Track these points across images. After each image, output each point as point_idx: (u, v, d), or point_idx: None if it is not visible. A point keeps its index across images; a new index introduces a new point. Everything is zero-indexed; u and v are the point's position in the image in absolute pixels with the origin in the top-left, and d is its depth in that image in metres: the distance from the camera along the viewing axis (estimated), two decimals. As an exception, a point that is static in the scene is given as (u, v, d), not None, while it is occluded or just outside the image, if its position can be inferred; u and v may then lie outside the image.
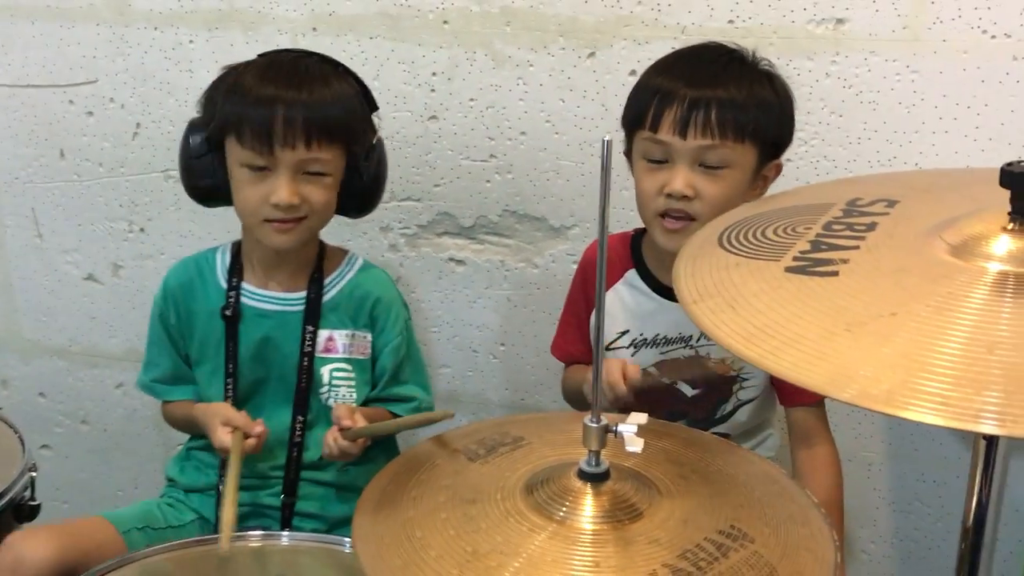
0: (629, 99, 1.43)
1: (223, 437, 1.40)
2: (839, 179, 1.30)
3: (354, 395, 1.52)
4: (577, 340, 1.60)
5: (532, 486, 1.01)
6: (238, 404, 1.51)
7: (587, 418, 0.98)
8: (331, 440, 1.40)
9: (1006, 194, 0.86)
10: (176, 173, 1.50)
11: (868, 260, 0.88)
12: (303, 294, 1.51)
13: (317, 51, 1.51)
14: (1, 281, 2.13)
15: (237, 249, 1.56)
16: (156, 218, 2.00)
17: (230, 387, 1.51)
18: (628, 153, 1.45)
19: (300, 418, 1.51)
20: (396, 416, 1.54)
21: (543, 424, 1.19)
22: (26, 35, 1.95)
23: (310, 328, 1.50)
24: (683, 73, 1.36)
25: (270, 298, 1.52)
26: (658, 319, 1.49)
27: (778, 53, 1.56)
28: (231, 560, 1.30)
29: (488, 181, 1.81)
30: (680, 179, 1.34)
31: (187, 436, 1.63)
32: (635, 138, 1.40)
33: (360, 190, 1.49)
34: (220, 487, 1.49)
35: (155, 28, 1.88)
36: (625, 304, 1.50)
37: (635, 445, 0.96)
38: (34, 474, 1.45)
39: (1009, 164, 0.84)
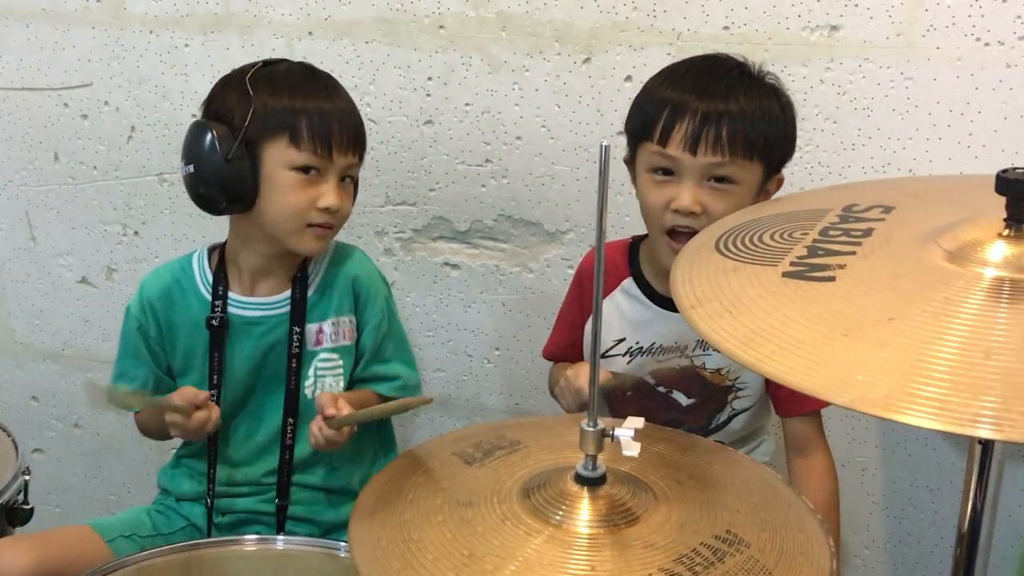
0: (634, 108, 1.42)
1: (173, 416, 1.40)
2: (835, 185, 1.31)
3: (341, 383, 1.51)
4: (567, 345, 1.60)
5: (529, 490, 1.01)
6: (228, 413, 1.50)
7: (584, 422, 0.98)
8: (316, 430, 1.39)
9: (1002, 200, 0.86)
10: (171, 176, 1.50)
11: (865, 265, 0.89)
12: (288, 294, 1.49)
13: (305, 59, 1.53)
14: (-6, 284, 2.13)
15: (220, 256, 1.52)
16: (150, 221, 1.99)
17: (215, 398, 1.48)
18: (629, 162, 1.45)
19: (291, 420, 1.50)
20: (381, 396, 1.54)
21: (540, 428, 1.19)
22: (21, 38, 1.95)
23: (296, 329, 1.49)
24: (693, 85, 1.35)
25: (257, 304, 1.50)
26: (654, 328, 1.48)
27: (773, 59, 1.57)
28: (226, 565, 1.30)
29: (483, 186, 1.81)
30: (688, 196, 1.34)
31: (179, 443, 1.61)
32: (640, 149, 1.39)
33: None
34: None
35: (151, 31, 1.88)
36: (622, 312, 1.50)
37: (632, 449, 0.96)
38: (27, 478, 1.45)
39: (1005, 171, 0.85)
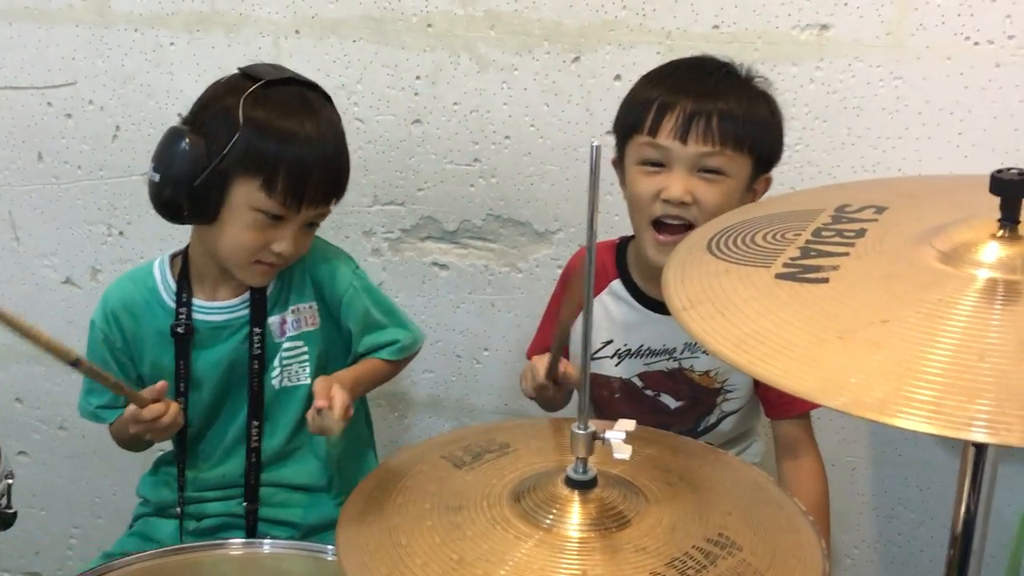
0: (622, 108, 1.42)
1: (130, 408, 1.37)
2: (827, 185, 1.30)
3: (306, 369, 1.49)
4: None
5: (519, 493, 1.00)
6: (200, 420, 1.49)
7: (574, 425, 0.97)
8: (310, 418, 1.34)
9: (995, 201, 0.86)
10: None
11: (858, 267, 0.88)
12: (248, 295, 1.47)
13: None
14: (-23, 285, 2.11)
15: (183, 263, 1.48)
16: (135, 221, 1.97)
17: (183, 406, 1.45)
18: (617, 162, 1.44)
19: (256, 422, 1.49)
20: (386, 362, 1.53)
21: (530, 431, 1.18)
22: (3, 36, 1.92)
23: (257, 330, 1.46)
24: (683, 83, 1.36)
25: (220, 309, 1.47)
26: (642, 330, 1.48)
27: (763, 58, 1.57)
28: (212, 569, 1.29)
29: (472, 185, 1.80)
30: (678, 185, 1.34)
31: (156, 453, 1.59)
32: (629, 144, 1.39)
33: None
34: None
35: (135, 30, 1.86)
36: (609, 314, 1.50)
37: (623, 452, 0.96)
38: (11, 481, 1.42)
39: (999, 171, 0.84)
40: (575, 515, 0.96)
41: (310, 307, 1.50)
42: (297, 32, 1.79)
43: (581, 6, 1.66)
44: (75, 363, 1.30)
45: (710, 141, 1.32)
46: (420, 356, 1.91)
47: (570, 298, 1.17)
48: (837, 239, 0.94)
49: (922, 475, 1.75)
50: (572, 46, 1.68)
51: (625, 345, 1.49)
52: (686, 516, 0.99)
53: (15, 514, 1.43)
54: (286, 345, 1.48)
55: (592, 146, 0.89)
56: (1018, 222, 0.85)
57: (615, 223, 1.66)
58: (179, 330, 1.45)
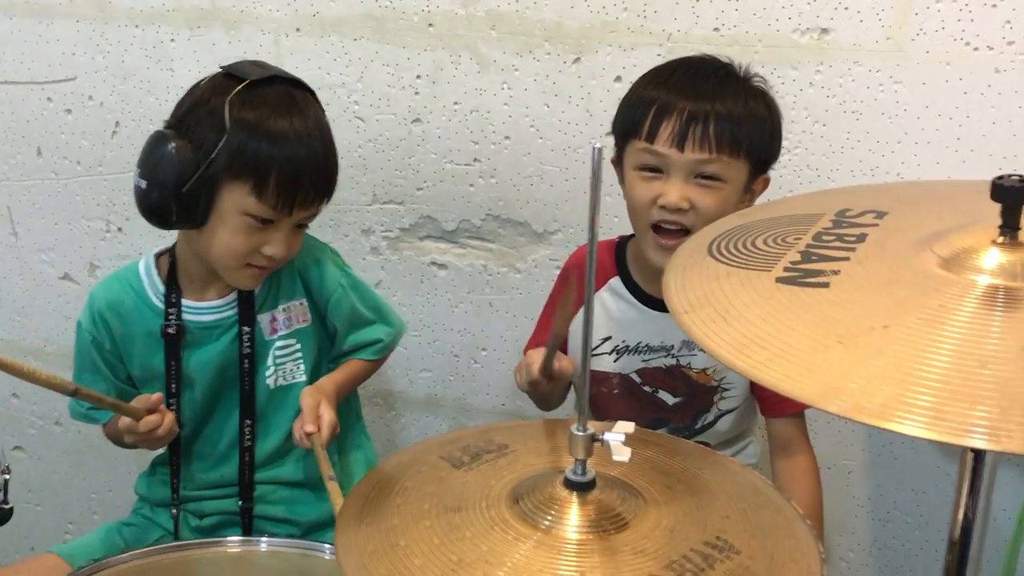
0: (621, 108, 1.43)
1: (124, 420, 1.37)
2: (828, 189, 1.31)
3: (302, 367, 1.50)
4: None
5: (517, 495, 1.00)
6: (193, 420, 1.49)
7: (573, 427, 0.97)
8: (297, 436, 1.38)
9: (996, 207, 0.86)
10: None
11: (859, 271, 0.88)
12: (236, 296, 1.46)
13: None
14: (-25, 280, 2.10)
15: (170, 263, 1.47)
16: (134, 218, 1.94)
17: (174, 408, 1.46)
18: (616, 161, 1.45)
19: (248, 421, 1.49)
20: (368, 362, 1.54)
21: (528, 431, 1.18)
22: (3, 31, 1.92)
23: (246, 329, 1.46)
24: (680, 85, 1.36)
25: (210, 308, 1.47)
26: (640, 327, 1.48)
27: (762, 62, 1.57)
28: (209, 566, 1.29)
29: (471, 185, 1.80)
30: (675, 192, 1.34)
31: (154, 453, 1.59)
32: (628, 147, 1.40)
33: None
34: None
35: (136, 26, 1.86)
36: (608, 311, 1.50)
37: (622, 454, 0.96)
38: (7, 476, 1.42)
39: (1000, 178, 0.84)
40: (573, 517, 0.96)
41: (300, 304, 1.50)
42: (298, 30, 1.79)
43: (582, 7, 1.66)
44: (74, 392, 1.31)
45: (707, 148, 1.32)
46: (418, 355, 1.93)
47: (567, 296, 1.17)
48: (838, 244, 0.94)
49: (918, 479, 1.75)
50: (573, 47, 1.68)
51: (623, 342, 1.49)
52: (684, 519, 0.99)
53: (11, 509, 1.43)
54: (279, 343, 1.48)
55: (593, 148, 0.89)
56: (1019, 228, 0.85)
57: (613, 224, 1.66)
58: (170, 331, 1.44)
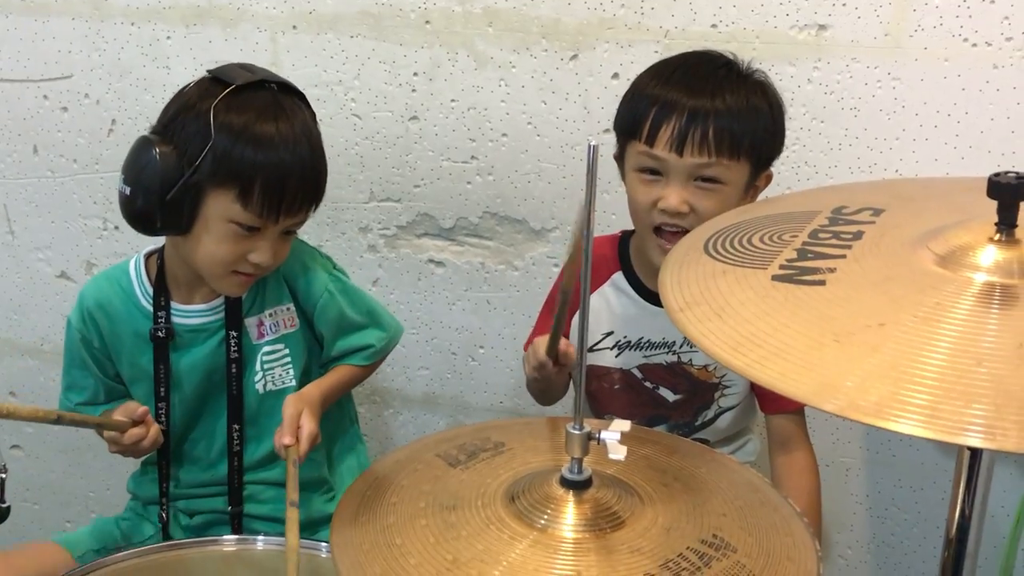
0: (623, 105, 1.42)
1: (108, 432, 1.38)
2: (824, 186, 1.30)
3: (290, 372, 1.48)
4: None
5: (513, 493, 1.00)
6: (182, 424, 1.48)
7: (570, 425, 0.97)
8: (277, 447, 1.34)
9: (992, 204, 0.85)
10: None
11: (855, 269, 0.88)
12: (223, 300, 1.45)
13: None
14: (-29, 278, 2.10)
15: (159, 265, 1.45)
16: (131, 216, 1.97)
17: (163, 410, 1.45)
18: (619, 158, 1.44)
19: (236, 426, 1.48)
20: (358, 368, 1.52)
21: (524, 430, 1.18)
22: (-1, 28, 1.92)
23: (233, 333, 1.44)
24: (682, 83, 1.35)
25: (198, 312, 1.45)
26: (642, 323, 1.48)
27: (760, 58, 1.56)
28: (203, 565, 1.29)
29: (469, 182, 1.80)
30: (675, 196, 1.34)
31: None
32: (629, 147, 1.39)
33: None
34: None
35: (132, 23, 1.85)
36: (610, 306, 1.50)
37: (618, 453, 0.95)
38: (4, 475, 1.42)
39: (996, 175, 0.84)
40: (570, 515, 0.96)
41: (287, 309, 1.48)
42: (294, 27, 1.78)
43: (579, 4, 1.65)
44: (57, 420, 1.32)
45: (706, 152, 1.32)
46: (415, 353, 1.92)
47: (571, 264, 1.13)
48: (834, 241, 0.94)
49: (915, 476, 1.75)
50: (570, 44, 1.68)
51: (625, 337, 1.49)
52: (681, 517, 0.99)
53: (8, 508, 1.42)
54: (266, 349, 1.47)
55: (589, 145, 0.88)
56: (1015, 226, 0.85)
57: (612, 221, 1.66)
58: (159, 335, 1.43)
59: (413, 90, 1.77)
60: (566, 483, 0.98)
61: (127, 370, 1.48)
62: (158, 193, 1.29)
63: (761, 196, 1.44)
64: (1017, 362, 0.73)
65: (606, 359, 1.50)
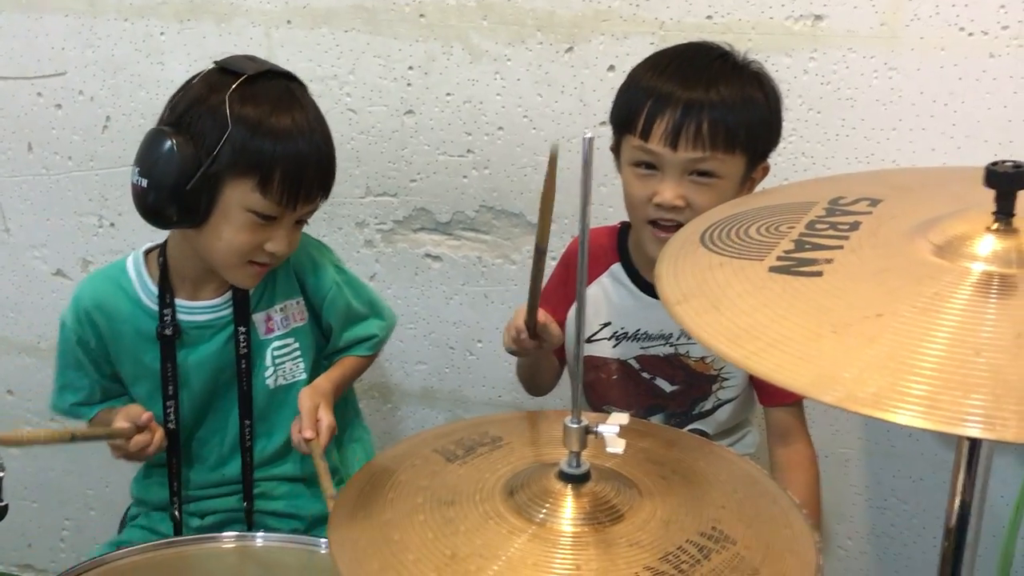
0: (619, 97, 1.41)
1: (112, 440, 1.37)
2: (821, 177, 1.30)
3: (301, 365, 1.49)
4: None
5: (512, 488, 0.99)
6: (190, 422, 1.47)
7: (568, 419, 0.97)
8: (295, 440, 1.38)
9: (989, 194, 0.85)
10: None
11: (852, 260, 0.88)
12: (230, 295, 1.45)
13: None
14: (-33, 277, 2.10)
15: (162, 263, 1.44)
16: (126, 213, 1.96)
17: (171, 409, 1.44)
18: (615, 150, 1.44)
19: (247, 422, 1.48)
20: (362, 358, 1.54)
21: (522, 424, 1.18)
22: (-8, 26, 1.91)
23: (242, 329, 1.44)
24: (677, 74, 1.34)
25: (204, 308, 1.45)
26: (640, 315, 1.48)
27: (756, 49, 1.56)
28: (205, 562, 1.29)
29: (465, 176, 1.79)
30: (670, 191, 1.33)
31: None
32: (624, 141, 1.39)
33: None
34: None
35: (125, 19, 1.85)
36: (608, 297, 1.50)
37: (616, 446, 0.95)
38: (2, 474, 1.42)
39: (994, 164, 0.84)
40: (568, 509, 0.95)
41: (297, 303, 1.49)
42: (289, 22, 1.78)
43: (574, -4, 1.65)
44: (72, 439, 1.33)
45: (700, 146, 1.31)
46: (413, 348, 1.92)
47: (542, 221, 1.11)
48: (831, 232, 0.93)
49: (915, 466, 1.75)
50: (565, 36, 1.67)
51: (622, 328, 1.50)
52: (680, 510, 0.98)
53: (7, 507, 1.42)
54: (276, 343, 1.47)
55: (584, 138, 0.88)
56: (1013, 215, 0.84)
57: (608, 214, 1.65)
58: (166, 333, 1.43)
59: (408, 84, 1.76)
60: (564, 477, 0.97)
61: (129, 370, 1.47)
62: (175, 185, 1.29)
63: (758, 188, 1.43)
64: (1016, 352, 0.73)
65: (603, 350, 1.51)
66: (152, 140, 1.31)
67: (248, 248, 1.35)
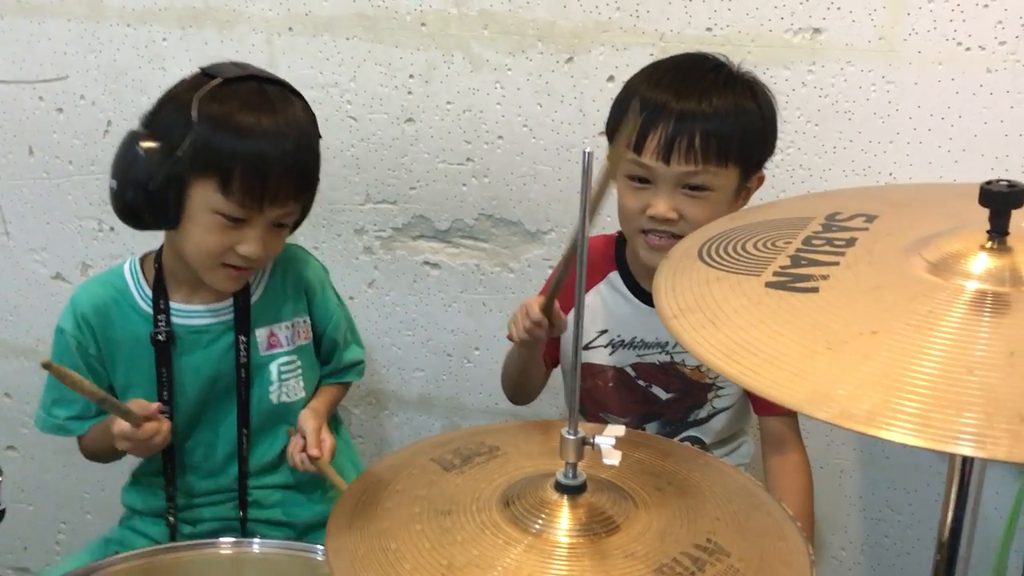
0: (613, 109, 1.42)
1: (121, 425, 1.34)
2: (818, 192, 1.31)
3: (301, 383, 1.50)
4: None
5: (508, 498, 1.00)
6: (184, 426, 1.47)
7: (564, 430, 0.97)
8: (298, 460, 1.41)
9: (984, 211, 0.86)
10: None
11: (848, 276, 0.88)
12: (231, 301, 1.44)
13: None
14: (-33, 279, 2.10)
15: (157, 267, 1.44)
16: (127, 217, 1.97)
17: (166, 414, 1.43)
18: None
19: (245, 430, 1.48)
20: (345, 385, 1.60)
21: (519, 434, 1.18)
22: (-5, 30, 1.92)
23: (242, 337, 1.44)
24: (670, 86, 1.35)
25: (201, 312, 1.44)
26: (636, 323, 1.49)
27: (755, 61, 1.57)
28: (200, 568, 1.29)
29: (464, 185, 1.80)
30: (663, 204, 1.34)
31: (134, 463, 1.55)
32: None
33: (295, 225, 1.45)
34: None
35: (127, 25, 1.85)
36: (606, 305, 1.51)
37: (612, 458, 0.96)
38: (0, 477, 1.42)
39: (988, 183, 0.85)
40: (564, 520, 0.96)
41: (304, 322, 1.50)
42: (290, 29, 1.78)
43: (575, 7, 1.66)
44: (102, 400, 1.29)
45: (692, 160, 1.32)
46: (411, 355, 1.93)
47: (613, 157, 1.06)
48: (827, 248, 0.94)
49: (909, 478, 1.75)
50: (566, 47, 1.68)
51: (619, 336, 1.50)
52: (675, 521, 0.99)
53: (3, 510, 1.42)
54: (283, 359, 1.48)
55: (584, 152, 0.89)
56: (1007, 233, 0.85)
57: (606, 224, 1.66)
58: (160, 338, 1.42)
59: (409, 92, 1.77)
60: (561, 488, 0.98)
61: (122, 376, 1.46)
62: (142, 185, 1.28)
63: (755, 198, 1.44)
64: (1008, 371, 0.73)
65: (600, 357, 1.51)
66: (124, 141, 1.32)
67: (218, 250, 1.33)
